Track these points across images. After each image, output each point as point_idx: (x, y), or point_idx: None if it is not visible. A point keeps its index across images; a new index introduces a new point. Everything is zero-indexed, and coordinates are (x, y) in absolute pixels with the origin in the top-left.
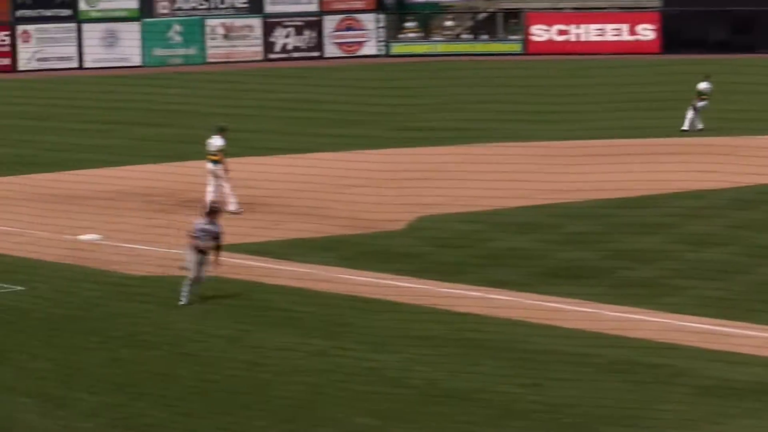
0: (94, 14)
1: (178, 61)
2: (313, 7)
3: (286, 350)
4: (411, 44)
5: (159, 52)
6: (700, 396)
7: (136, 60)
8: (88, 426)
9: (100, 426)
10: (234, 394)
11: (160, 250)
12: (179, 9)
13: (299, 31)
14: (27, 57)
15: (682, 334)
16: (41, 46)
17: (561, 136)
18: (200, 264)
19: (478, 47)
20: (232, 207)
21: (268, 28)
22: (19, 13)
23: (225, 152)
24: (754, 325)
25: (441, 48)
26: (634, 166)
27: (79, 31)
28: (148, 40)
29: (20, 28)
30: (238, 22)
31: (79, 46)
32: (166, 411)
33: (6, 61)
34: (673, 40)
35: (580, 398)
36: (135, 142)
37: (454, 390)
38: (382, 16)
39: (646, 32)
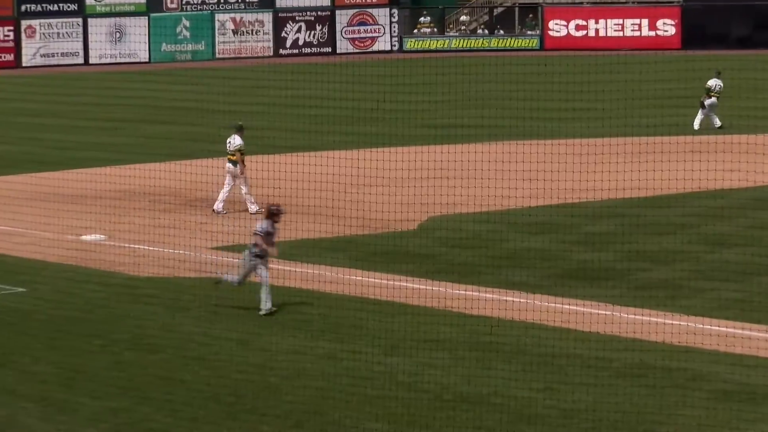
0: (100, 9)
1: (186, 57)
2: (326, 2)
3: (295, 353)
4: (425, 40)
5: (167, 47)
6: (719, 401)
7: (143, 56)
8: (91, 431)
9: (103, 431)
10: (241, 398)
11: (166, 251)
12: (188, 3)
13: (311, 26)
14: (31, 53)
15: (700, 337)
16: (46, 42)
17: (579, 134)
18: (253, 269)
19: (494, 43)
20: (252, 208)
21: (279, 23)
22: (24, 7)
23: (243, 151)
24: None
25: (456, 44)
26: (653, 164)
27: (85, 26)
28: (155, 35)
29: (24, 23)
30: (248, 16)
31: (85, 41)
32: (172, 416)
33: (9, 57)
34: (694, 35)
35: (596, 403)
36: (141, 140)
37: (467, 394)
38: (395, 11)
39: (667, 27)
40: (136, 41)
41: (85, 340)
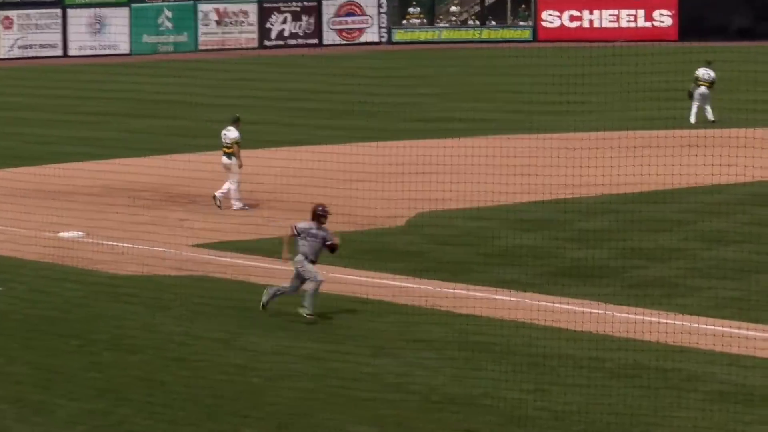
0: None
1: (169, 48)
2: None
3: (279, 354)
4: (414, 31)
5: (148, 39)
6: (715, 402)
7: (124, 47)
8: None
9: None
10: (222, 400)
11: (147, 248)
12: None
13: (297, 16)
14: (9, 44)
15: (696, 337)
16: (24, 33)
17: (574, 128)
18: (308, 275)
19: (486, 34)
20: (235, 205)
21: (264, 14)
22: None
23: (240, 144)
24: None
25: (446, 35)
26: (648, 159)
27: (64, 17)
28: (136, 26)
29: (2, 13)
30: (232, 7)
31: (64, 32)
32: (151, 418)
33: None
34: (691, 26)
35: (588, 405)
36: (122, 134)
37: (456, 395)
38: (384, 1)
39: (663, 18)
40: (116, 33)
41: (63, 340)
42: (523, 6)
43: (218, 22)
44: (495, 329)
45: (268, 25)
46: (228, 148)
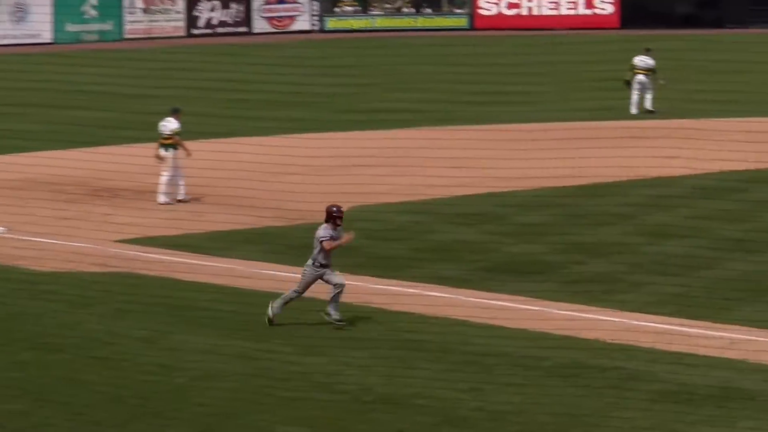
0: None
1: (93, 37)
2: None
3: (205, 353)
4: (348, 19)
5: (72, 27)
6: (656, 402)
7: (46, 36)
8: None
9: None
10: (147, 400)
11: (70, 244)
12: None
13: (225, 4)
14: None
15: (637, 335)
16: None
17: (513, 119)
18: (318, 279)
19: (421, 22)
20: (161, 199)
21: (192, 2)
22: None
23: (180, 135)
24: (717, 325)
25: (380, 23)
26: (589, 151)
27: None
28: (60, 14)
29: None
30: None
31: None
32: (73, 419)
33: None
34: (634, 14)
35: (525, 404)
36: (45, 126)
37: (389, 395)
38: None
39: (605, 5)
40: (39, 21)
41: None
42: None
43: (145, 10)
44: (429, 327)
45: (195, 13)
46: (166, 139)
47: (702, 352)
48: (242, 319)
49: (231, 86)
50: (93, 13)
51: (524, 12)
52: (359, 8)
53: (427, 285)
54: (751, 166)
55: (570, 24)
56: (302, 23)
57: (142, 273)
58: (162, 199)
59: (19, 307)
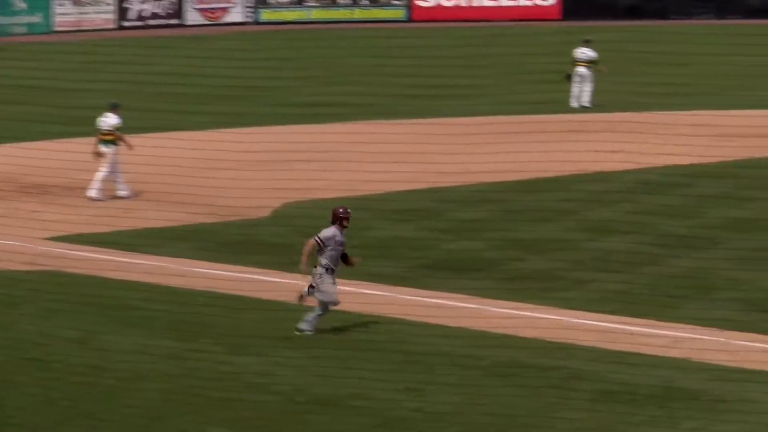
0: None
1: (21, 30)
2: None
3: (135, 353)
4: (282, 10)
5: None
6: (599, 402)
7: None
8: None
9: None
10: (77, 402)
11: None
12: None
13: None
14: None
15: (579, 333)
16: None
17: (453, 113)
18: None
19: (357, 14)
20: (92, 193)
21: None
22: None
23: (121, 131)
24: (660, 323)
25: (316, 15)
26: (529, 145)
27: None
28: None
29: None
30: None
31: None
32: (5, 422)
33: None
34: (576, 5)
35: (464, 405)
36: None
37: (324, 396)
38: None
39: None
40: None
41: None
42: None
43: (74, 2)
44: (366, 326)
45: (126, 5)
46: (105, 135)
47: (645, 350)
48: (174, 318)
49: (163, 80)
50: (21, 5)
51: (463, 3)
52: (294, 0)
53: (363, 283)
54: (695, 161)
55: (510, 15)
56: (236, 15)
57: (71, 271)
58: (93, 194)
59: None
